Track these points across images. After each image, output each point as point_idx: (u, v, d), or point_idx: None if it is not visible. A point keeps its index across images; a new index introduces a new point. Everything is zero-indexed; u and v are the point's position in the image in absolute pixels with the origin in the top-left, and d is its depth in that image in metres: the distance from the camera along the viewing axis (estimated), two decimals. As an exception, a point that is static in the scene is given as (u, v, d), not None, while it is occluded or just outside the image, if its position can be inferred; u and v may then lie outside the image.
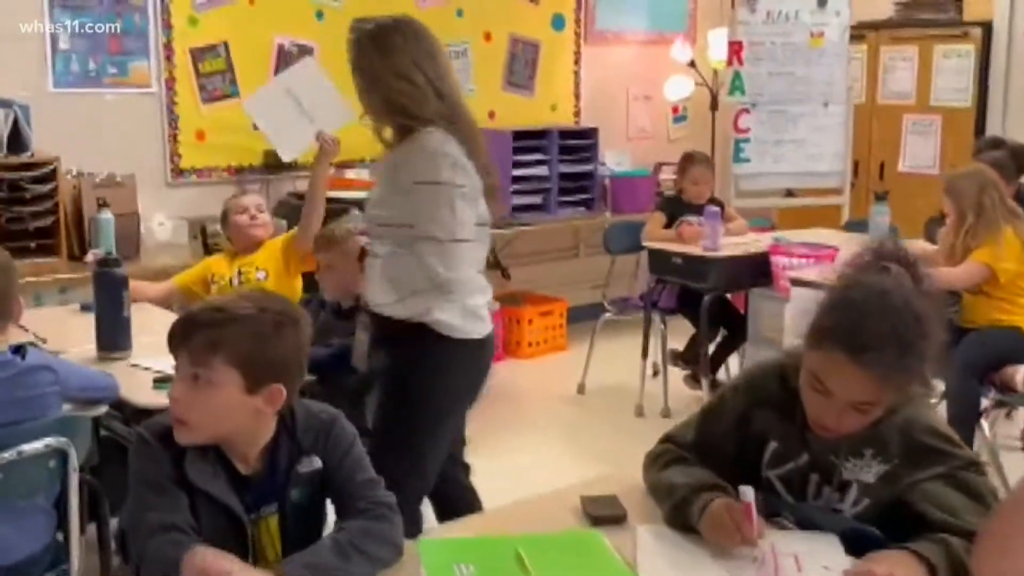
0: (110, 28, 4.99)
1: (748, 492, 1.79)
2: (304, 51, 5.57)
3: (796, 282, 4.30)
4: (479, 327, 2.75)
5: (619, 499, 2.02)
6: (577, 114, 6.75)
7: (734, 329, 5.09)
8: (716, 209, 4.77)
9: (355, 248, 3.22)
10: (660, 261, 4.93)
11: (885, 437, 1.86)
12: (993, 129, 6.08)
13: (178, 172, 5.29)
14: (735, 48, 6.19)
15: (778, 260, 4.63)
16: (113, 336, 3.03)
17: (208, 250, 4.88)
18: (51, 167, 4.54)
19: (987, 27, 6.01)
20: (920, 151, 6.33)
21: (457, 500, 3.00)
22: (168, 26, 5.15)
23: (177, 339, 1.80)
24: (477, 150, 2.74)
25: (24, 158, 4.50)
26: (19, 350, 2.39)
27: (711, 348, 5.31)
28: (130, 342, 3.06)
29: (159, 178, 5.22)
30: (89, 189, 4.65)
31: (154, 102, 5.19)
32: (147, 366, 2.98)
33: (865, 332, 1.74)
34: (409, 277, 2.67)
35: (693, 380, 5.31)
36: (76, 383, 2.48)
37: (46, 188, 4.53)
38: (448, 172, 2.64)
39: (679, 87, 6.85)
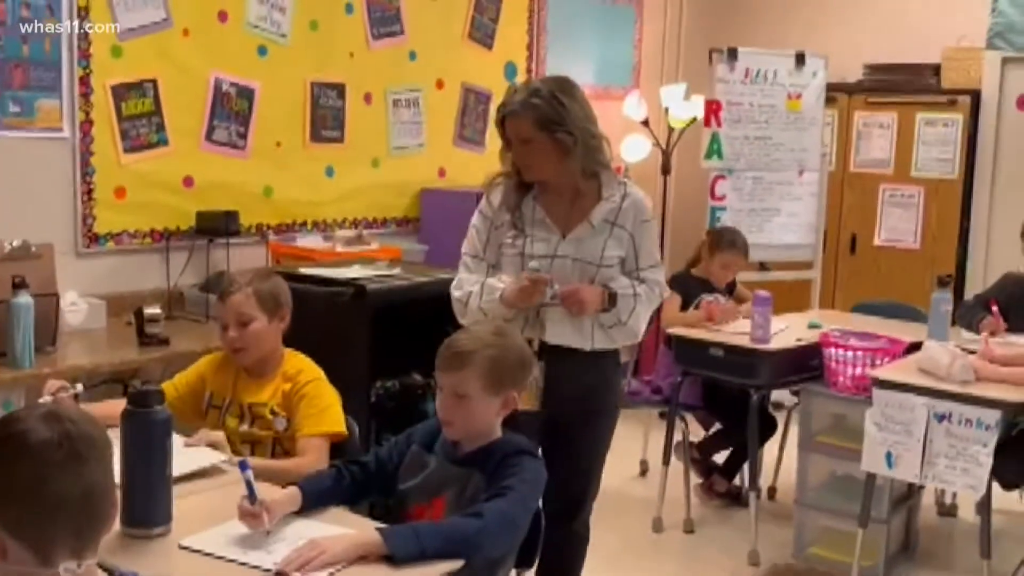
0: (13, 56, 3.92)
1: None
2: (243, 92, 4.63)
3: (882, 383, 3.71)
4: None
5: None
6: (525, 173, 6.02)
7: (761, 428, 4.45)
8: (767, 295, 4.13)
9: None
10: (692, 353, 4.23)
11: None
12: (981, 203, 5.77)
13: (92, 238, 4.22)
14: (713, 108, 5.64)
15: (832, 353, 4.05)
16: (149, 506, 2.07)
17: (144, 338, 3.86)
18: (-54, 234, 3.45)
19: (975, 96, 5.71)
20: (899, 223, 5.95)
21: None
22: (86, 56, 4.11)
23: None
24: None
25: (-90, 222, 3.39)
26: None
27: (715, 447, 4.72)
28: (172, 512, 2.11)
29: (68, 246, 4.14)
30: (-5, 263, 3.56)
31: (65, 149, 4.12)
32: (198, 548, 2.04)
33: None
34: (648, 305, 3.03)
35: (709, 490, 4.65)
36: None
37: (-63, 262, 3.43)
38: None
39: (636, 148, 6.24)
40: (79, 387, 2.61)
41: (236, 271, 3.16)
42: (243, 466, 2.15)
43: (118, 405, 2.52)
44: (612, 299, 2.92)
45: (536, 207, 2.97)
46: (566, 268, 2.92)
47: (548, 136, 2.85)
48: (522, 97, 2.88)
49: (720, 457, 4.71)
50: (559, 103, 2.85)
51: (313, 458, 2.64)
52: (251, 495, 2.12)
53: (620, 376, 3.15)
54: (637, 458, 5.10)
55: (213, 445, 2.60)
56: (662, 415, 4.69)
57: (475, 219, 3.08)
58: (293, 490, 2.23)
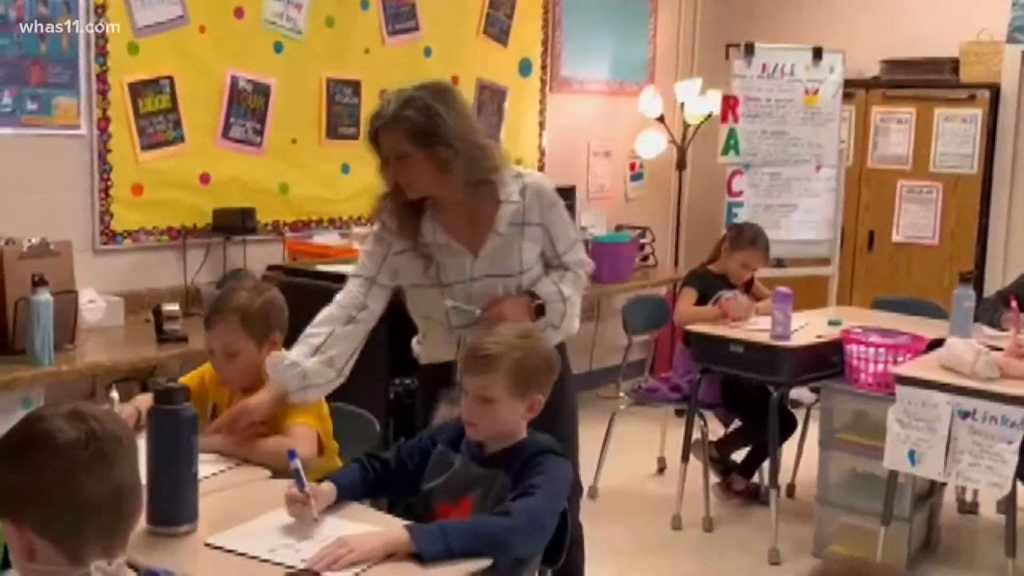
0: (31, 53, 3.91)
1: None
2: (259, 88, 4.61)
3: (905, 380, 3.67)
4: None
5: None
6: (541, 169, 6.01)
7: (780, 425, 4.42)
8: (788, 291, 4.10)
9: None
10: (710, 349, 4.21)
11: None
12: (1000, 199, 5.72)
13: (110, 235, 4.21)
14: (730, 103, 5.62)
15: (853, 350, 4.02)
16: (175, 503, 2.05)
17: (162, 335, 3.86)
18: (-35, 232, 3.44)
19: (995, 90, 5.66)
20: (917, 220, 5.90)
21: None
22: (103, 53, 4.10)
23: None
24: None
25: (-70, 220, 3.38)
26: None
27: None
28: (198, 510, 2.09)
29: (86, 243, 4.13)
30: (15, 260, 3.55)
31: (82, 147, 4.11)
32: (231, 548, 2.02)
33: None
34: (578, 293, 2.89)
35: (727, 488, 4.62)
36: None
37: (-44, 260, 3.42)
38: None
39: (651, 144, 6.21)
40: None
41: (228, 282, 3.05)
42: (291, 455, 2.16)
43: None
44: (540, 309, 2.75)
45: (437, 230, 2.72)
46: (487, 287, 2.73)
47: (425, 151, 2.58)
48: (394, 108, 2.60)
49: (738, 455, 4.68)
50: (435, 113, 2.58)
51: (294, 442, 2.43)
52: (299, 483, 2.13)
53: (569, 368, 2.84)
54: (655, 456, 5.07)
55: (217, 452, 2.57)
56: (679, 413, 4.66)
57: (368, 245, 2.83)
58: (329, 484, 2.23)
